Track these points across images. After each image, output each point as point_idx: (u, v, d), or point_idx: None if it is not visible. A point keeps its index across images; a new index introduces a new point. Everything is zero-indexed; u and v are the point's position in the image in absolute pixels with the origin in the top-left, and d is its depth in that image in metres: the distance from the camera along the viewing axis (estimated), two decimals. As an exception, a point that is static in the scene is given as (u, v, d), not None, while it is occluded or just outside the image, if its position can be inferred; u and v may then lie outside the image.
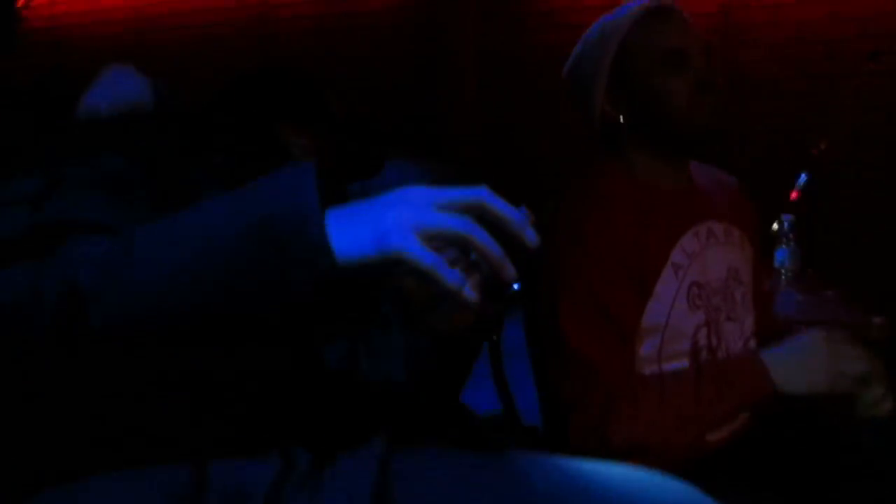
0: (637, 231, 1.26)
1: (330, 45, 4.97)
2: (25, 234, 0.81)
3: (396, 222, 0.73)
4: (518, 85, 4.62)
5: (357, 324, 1.07)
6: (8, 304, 0.73)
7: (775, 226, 2.12)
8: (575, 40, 1.42)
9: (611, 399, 1.18)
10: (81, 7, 5.56)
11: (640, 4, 1.32)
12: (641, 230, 1.27)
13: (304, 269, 0.72)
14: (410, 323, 0.97)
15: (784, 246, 2.10)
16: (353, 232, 0.73)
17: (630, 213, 1.27)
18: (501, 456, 0.93)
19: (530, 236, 0.76)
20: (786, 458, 1.27)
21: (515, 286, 1.35)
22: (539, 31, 4.57)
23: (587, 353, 1.21)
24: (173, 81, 1.15)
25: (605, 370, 1.20)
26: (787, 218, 2.13)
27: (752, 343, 1.38)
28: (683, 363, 1.28)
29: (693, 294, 1.30)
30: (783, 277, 2.08)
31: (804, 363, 1.19)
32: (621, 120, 1.33)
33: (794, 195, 2.38)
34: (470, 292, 0.74)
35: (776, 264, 2.10)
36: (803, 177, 2.31)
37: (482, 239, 0.73)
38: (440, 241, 0.73)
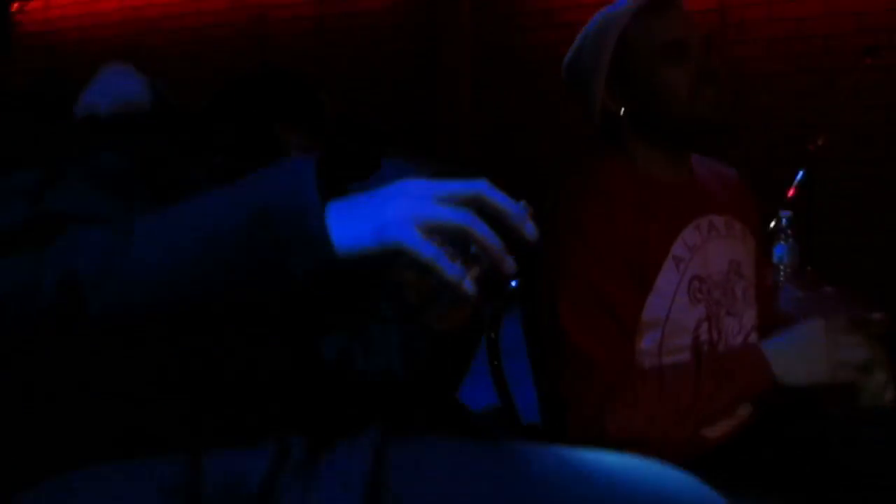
0: (637, 224, 1.26)
1: (327, 45, 4.97)
2: (24, 226, 0.81)
3: (396, 214, 0.73)
4: (515, 84, 4.62)
5: (355, 317, 1.08)
6: (6, 292, 0.73)
7: (773, 223, 2.11)
8: (572, 38, 1.42)
9: (609, 392, 1.18)
10: (76, 11, 5.55)
11: None
12: (642, 223, 1.26)
13: (303, 260, 0.73)
14: (408, 318, 0.97)
15: (782, 242, 2.09)
16: (352, 223, 0.74)
17: (630, 207, 1.27)
18: (498, 444, 0.93)
19: (530, 230, 0.76)
20: (786, 455, 1.26)
21: (513, 283, 1.35)
22: (536, 30, 4.57)
23: (586, 346, 1.20)
24: (170, 84, 1.15)
25: (604, 364, 1.20)
26: (785, 214, 2.12)
27: (753, 338, 1.38)
28: (684, 357, 1.28)
29: (694, 288, 1.29)
30: (781, 274, 2.07)
31: (804, 354, 1.19)
32: (622, 113, 1.33)
33: (791, 192, 2.38)
34: (469, 285, 0.74)
35: (774, 260, 2.09)
36: (801, 174, 2.30)
37: (482, 231, 0.74)
38: (440, 234, 0.73)
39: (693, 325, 1.29)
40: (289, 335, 0.95)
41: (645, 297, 1.26)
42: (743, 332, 1.36)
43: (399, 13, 4.94)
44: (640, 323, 1.25)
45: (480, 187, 0.76)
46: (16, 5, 4.79)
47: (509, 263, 0.75)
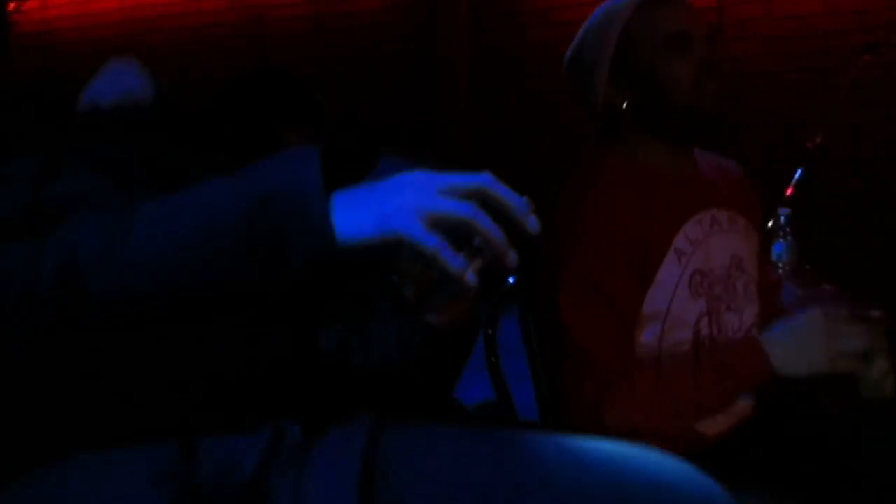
0: (639, 217, 1.25)
1: (325, 45, 4.96)
2: (25, 213, 0.81)
3: (400, 205, 0.74)
4: (514, 83, 4.62)
5: (354, 309, 1.08)
6: (6, 277, 0.73)
7: (771, 221, 2.11)
8: (570, 37, 1.41)
9: (608, 384, 1.17)
10: (72, 10, 5.55)
11: None
12: (644, 216, 1.26)
13: (305, 248, 0.73)
14: (406, 313, 0.97)
15: (781, 240, 2.09)
16: (355, 213, 0.74)
17: (632, 199, 1.26)
18: (493, 431, 0.93)
19: (532, 223, 0.77)
20: (785, 452, 1.26)
21: (511, 280, 1.34)
22: (534, 29, 4.56)
23: (585, 338, 1.20)
24: (168, 83, 1.16)
25: (603, 356, 1.19)
26: (784, 212, 2.12)
27: (754, 334, 1.37)
28: (683, 350, 1.27)
29: (695, 282, 1.28)
30: (780, 272, 2.06)
31: (803, 344, 1.17)
32: (624, 106, 1.32)
33: (789, 191, 2.37)
34: (471, 277, 0.74)
35: (773, 258, 2.09)
36: (799, 172, 2.30)
37: (485, 224, 0.74)
38: (443, 226, 0.73)
39: (694, 320, 1.28)
40: (288, 324, 0.95)
41: (646, 289, 1.25)
42: (743, 328, 1.35)
43: (397, 13, 4.93)
44: (641, 316, 1.25)
45: (484, 180, 0.76)
46: (12, 5, 4.79)
47: (512, 256, 0.75)
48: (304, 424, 0.88)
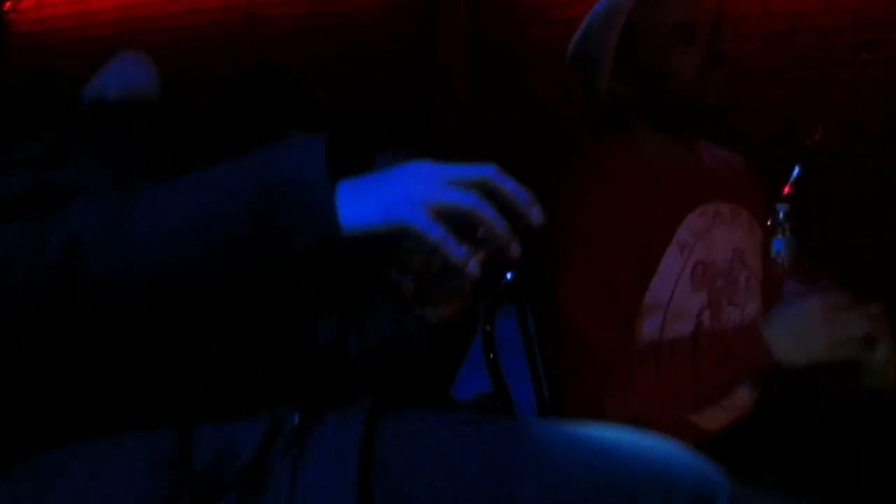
0: (642, 206, 1.25)
1: (322, 44, 4.96)
2: (28, 197, 0.81)
3: (405, 195, 0.74)
4: (510, 81, 4.61)
5: (354, 300, 1.08)
6: (7, 257, 0.72)
7: (769, 219, 2.12)
8: (567, 35, 1.40)
9: (607, 372, 1.17)
10: (68, 10, 5.53)
11: None
12: (647, 206, 1.25)
13: (308, 235, 0.73)
14: (403, 308, 0.96)
15: (780, 236, 2.10)
16: (360, 202, 0.74)
17: (635, 189, 1.26)
18: (490, 416, 0.94)
19: (536, 214, 0.77)
20: (784, 448, 1.25)
21: (509, 276, 1.34)
22: (531, 27, 4.56)
23: (584, 325, 1.19)
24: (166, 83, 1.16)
25: (602, 343, 1.19)
26: (783, 208, 2.12)
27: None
28: (682, 339, 1.26)
29: (698, 273, 1.28)
30: (780, 267, 2.06)
31: (802, 332, 1.16)
32: (628, 96, 1.31)
33: (787, 189, 2.37)
34: (474, 267, 0.74)
35: (772, 254, 2.09)
36: (797, 170, 2.30)
37: (490, 214, 0.74)
38: (448, 217, 0.74)
39: (696, 312, 1.27)
40: (290, 311, 0.95)
41: (648, 279, 1.24)
42: (744, 323, 1.34)
43: (394, 11, 4.93)
44: (642, 306, 1.24)
45: (489, 172, 0.77)
46: (7, 4, 4.77)
47: (515, 247, 0.76)
48: (303, 411, 0.88)
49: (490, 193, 0.76)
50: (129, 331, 0.80)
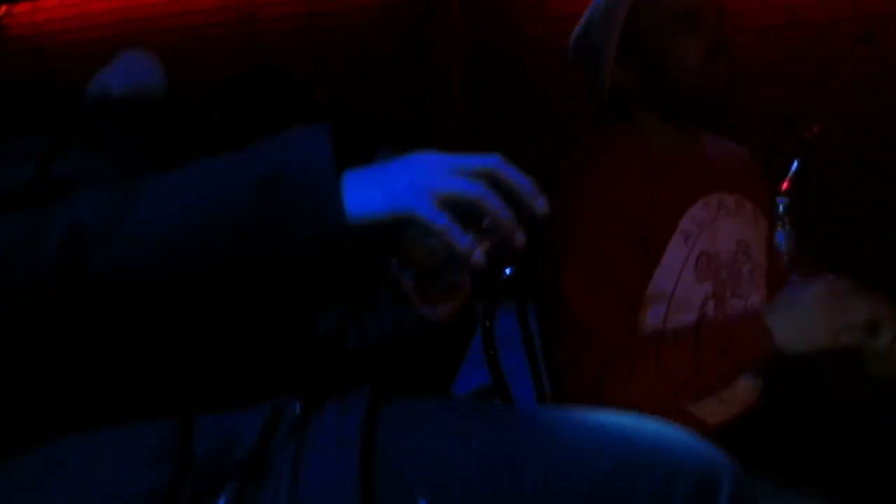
0: (645, 195, 1.24)
1: (319, 44, 4.95)
2: (29, 188, 0.81)
3: (411, 184, 0.74)
4: (508, 79, 4.60)
5: (354, 294, 1.07)
6: (9, 246, 0.72)
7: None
8: (565, 31, 1.40)
9: (607, 360, 1.16)
10: (63, 13, 5.53)
11: None
12: (650, 195, 1.24)
13: (313, 223, 0.73)
14: (403, 304, 0.96)
15: (780, 230, 2.08)
16: (365, 190, 0.74)
17: (639, 178, 1.25)
18: (490, 405, 0.92)
19: (541, 204, 0.77)
20: (786, 443, 1.24)
21: (508, 271, 1.33)
22: (528, 23, 4.55)
23: (586, 313, 1.18)
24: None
25: (604, 331, 1.18)
26: (782, 201, 2.11)
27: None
28: (684, 327, 1.25)
29: (702, 264, 1.27)
30: (782, 260, 2.05)
31: (804, 318, 1.15)
32: (632, 86, 1.30)
33: (785, 184, 2.36)
34: (480, 256, 0.74)
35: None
36: (795, 164, 2.29)
37: (495, 204, 0.74)
38: (453, 206, 0.74)
39: (699, 303, 1.27)
40: (292, 300, 0.95)
41: (652, 269, 1.24)
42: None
43: (391, 9, 4.92)
44: (646, 296, 1.23)
45: (494, 162, 0.77)
46: (2, 9, 4.77)
47: (520, 237, 0.76)
48: (303, 401, 0.88)
49: (495, 183, 0.76)
50: (129, 320, 0.79)
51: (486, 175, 0.76)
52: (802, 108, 3.36)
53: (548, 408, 0.92)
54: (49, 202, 0.76)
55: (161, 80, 1.13)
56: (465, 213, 0.75)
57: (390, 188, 0.74)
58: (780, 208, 2.05)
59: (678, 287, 1.24)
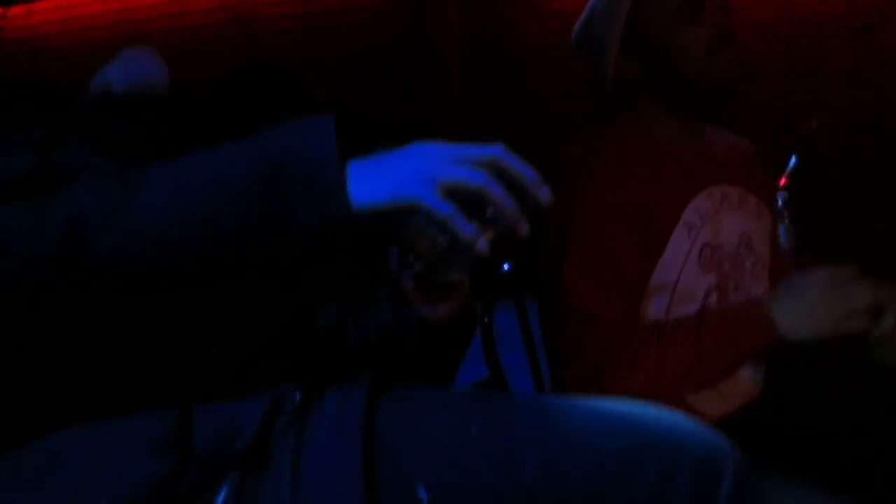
0: (649, 186, 1.24)
1: (315, 43, 4.95)
2: (28, 177, 0.81)
3: (414, 173, 0.74)
4: (505, 76, 4.60)
5: (354, 289, 1.07)
6: (9, 236, 0.72)
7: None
8: (561, 28, 1.39)
9: (609, 350, 1.16)
10: (59, 15, 5.52)
11: None
12: (653, 186, 1.24)
13: (317, 211, 0.72)
14: (403, 301, 0.96)
15: (779, 223, 2.08)
16: (369, 179, 0.74)
17: (642, 168, 1.25)
18: (491, 393, 0.92)
19: (545, 194, 0.77)
20: (786, 437, 1.24)
21: (506, 267, 1.33)
22: (524, 21, 4.55)
23: (587, 303, 1.18)
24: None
25: (605, 321, 1.18)
26: (781, 195, 2.11)
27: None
28: (686, 318, 1.24)
29: (705, 255, 1.27)
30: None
31: (807, 305, 1.13)
32: (635, 76, 1.30)
33: (783, 180, 2.36)
34: (483, 245, 0.74)
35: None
36: (793, 160, 2.29)
37: (499, 193, 0.74)
38: (457, 195, 0.74)
39: (702, 294, 1.26)
40: (294, 290, 0.95)
41: (655, 260, 1.23)
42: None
43: (387, 9, 4.92)
44: (649, 287, 1.23)
45: (497, 151, 0.77)
46: (-3, 12, 4.78)
47: (524, 227, 0.75)
48: (304, 390, 0.88)
49: (498, 173, 0.76)
50: (129, 311, 0.79)
51: (489, 164, 0.76)
52: (799, 103, 3.36)
53: (548, 395, 0.92)
54: (49, 192, 0.75)
55: (163, 78, 1.13)
56: (469, 203, 0.75)
57: (393, 177, 0.74)
58: (780, 202, 2.05)
59: (681, 278, 1.24)
